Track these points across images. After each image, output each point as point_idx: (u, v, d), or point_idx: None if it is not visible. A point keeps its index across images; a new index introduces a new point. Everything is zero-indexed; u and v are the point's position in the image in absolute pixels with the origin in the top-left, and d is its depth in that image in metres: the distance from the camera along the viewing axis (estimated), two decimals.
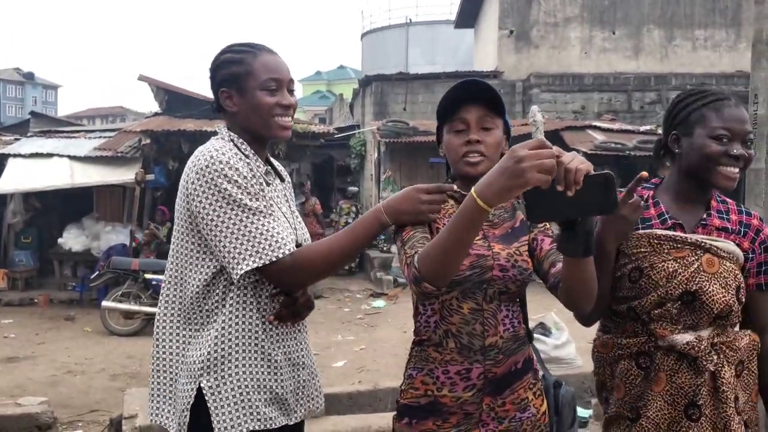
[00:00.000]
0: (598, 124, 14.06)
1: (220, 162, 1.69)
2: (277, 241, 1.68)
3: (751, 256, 1.88)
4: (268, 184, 1.82)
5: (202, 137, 11.63)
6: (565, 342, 5.55)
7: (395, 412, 1.85)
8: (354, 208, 14.08)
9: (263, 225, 1.69)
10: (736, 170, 1.81)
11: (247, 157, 1.79)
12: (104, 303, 8.53)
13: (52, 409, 4.80)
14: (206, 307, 1.75)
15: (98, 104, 64.05)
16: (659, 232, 1.85)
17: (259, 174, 1.78)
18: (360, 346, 7.63)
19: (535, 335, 2.35)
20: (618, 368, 1.90)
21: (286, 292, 1.79)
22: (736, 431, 1.80)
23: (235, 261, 1.66)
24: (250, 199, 1.69)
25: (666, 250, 1.82)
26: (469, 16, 20.63)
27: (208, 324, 1.75)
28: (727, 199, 1.96)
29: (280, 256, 1.67)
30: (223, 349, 1.72)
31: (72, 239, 11.12)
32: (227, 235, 1.67)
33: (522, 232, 1.84)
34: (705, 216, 1.87)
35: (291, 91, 1.85)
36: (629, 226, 1.80)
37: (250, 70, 1.78)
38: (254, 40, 1.89)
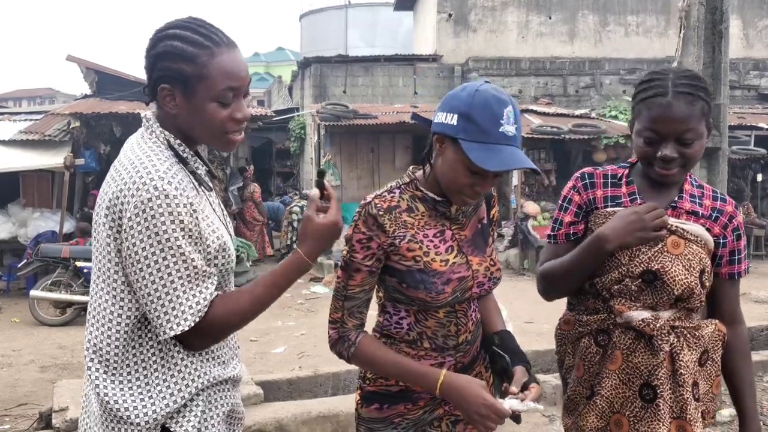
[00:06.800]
0: (534, 108, 14.30)
1: (167, 196, 1.42)
2: (198, 303, 1.46)
3: (722, 241, 1.87)
4: (209, 189, 1.62)
5: (135, 120, 11.33)
6: (504, 321, 5.64)
7: (358, 398, 1.86)
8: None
9: (196, 285, 1.47)
10: (669, 171, 1.78)
11: (185, 161, 1.56)
12: (33, 292, 8.21)
13: None
14: (141, 356, 1.52)
15: (26, 86, 61.32)
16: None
17: (198, 182, 1.58)
18: (300, 331, 7.58)
19: None
20: (579, 346, 1.90)
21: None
22: (693, 416, 1.77)
23: (167, 318, 1.44)
24: (190, 244, 1.46)
25: None
26: None
27: (146, 374, 1.52)
28: (704, 184, 1.94)
29: (197, 320, 1.46)
30: (182, 398, 1.53)
31: None
32: (158, 288, 1.43)
33: (488, 227, 1.85)
34: (676, 198, 1.85)
35: (246, 94, 1.57)
36: (641, 242, 1.78)
37: (205, 75, 1.49)
38: (201, 16, 1.58)
